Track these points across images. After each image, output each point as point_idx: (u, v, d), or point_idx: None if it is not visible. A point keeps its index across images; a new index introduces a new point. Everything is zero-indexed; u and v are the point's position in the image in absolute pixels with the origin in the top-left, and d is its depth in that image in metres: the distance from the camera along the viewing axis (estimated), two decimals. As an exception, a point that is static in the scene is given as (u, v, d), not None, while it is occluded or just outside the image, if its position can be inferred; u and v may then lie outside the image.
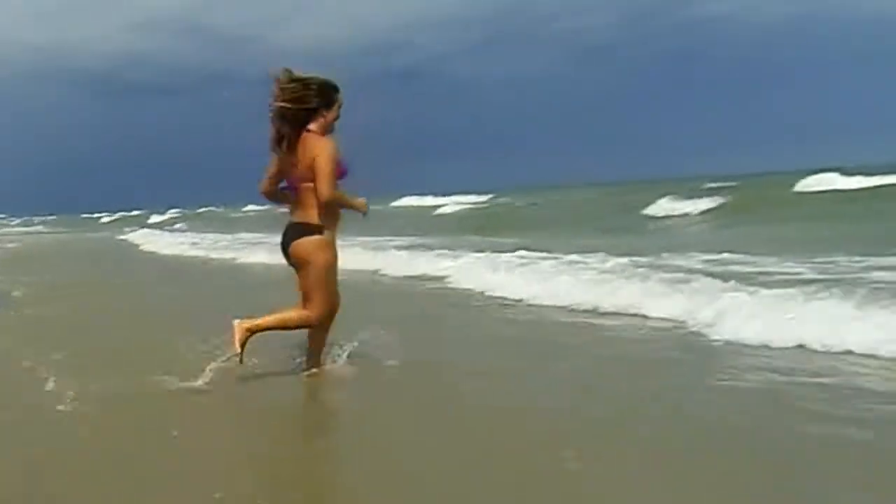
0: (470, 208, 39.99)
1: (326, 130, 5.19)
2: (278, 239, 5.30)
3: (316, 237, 5.10)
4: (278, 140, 5.11)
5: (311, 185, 5.06)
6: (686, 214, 25.20)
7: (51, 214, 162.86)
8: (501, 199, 60.67)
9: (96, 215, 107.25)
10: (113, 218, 71.74)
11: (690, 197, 27.44)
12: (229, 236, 26.17)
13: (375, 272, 12.40)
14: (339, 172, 5.14)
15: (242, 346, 5.00)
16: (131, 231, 38.58)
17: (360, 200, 5.31)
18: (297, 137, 5.09)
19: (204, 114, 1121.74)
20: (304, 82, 5.10)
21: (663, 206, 26.63)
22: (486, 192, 60.03)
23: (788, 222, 18.88)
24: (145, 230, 37.79)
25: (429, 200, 68.77)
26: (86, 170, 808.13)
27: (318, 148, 5.05)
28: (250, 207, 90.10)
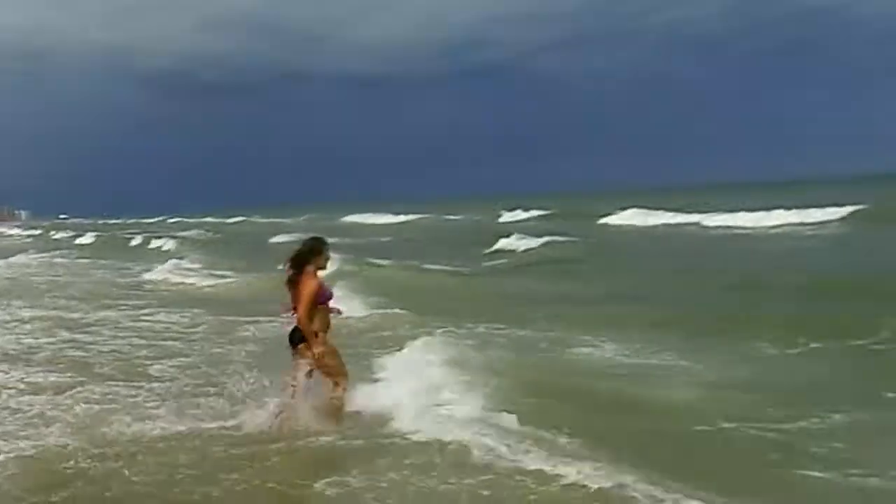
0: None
1: (316, 273, 7.63)
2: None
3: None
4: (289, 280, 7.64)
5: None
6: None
7: (117, 217, 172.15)
8: (421, 221, 67.01)
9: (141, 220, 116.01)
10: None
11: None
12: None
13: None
14: (322, 299, 7.58)
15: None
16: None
17: (310, 352, 7.40)
18: (299, 277, 7.59)
19: (277, 113, 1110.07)
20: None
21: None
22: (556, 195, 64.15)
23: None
24: (24, 258, 38.12)
25: (369, 218, 75.14)
26: (158, 170, 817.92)
27: (306, 285, 7.51)
28: (209, 220, 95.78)
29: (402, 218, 70.37)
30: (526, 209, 63.76)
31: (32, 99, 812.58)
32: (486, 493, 5.72)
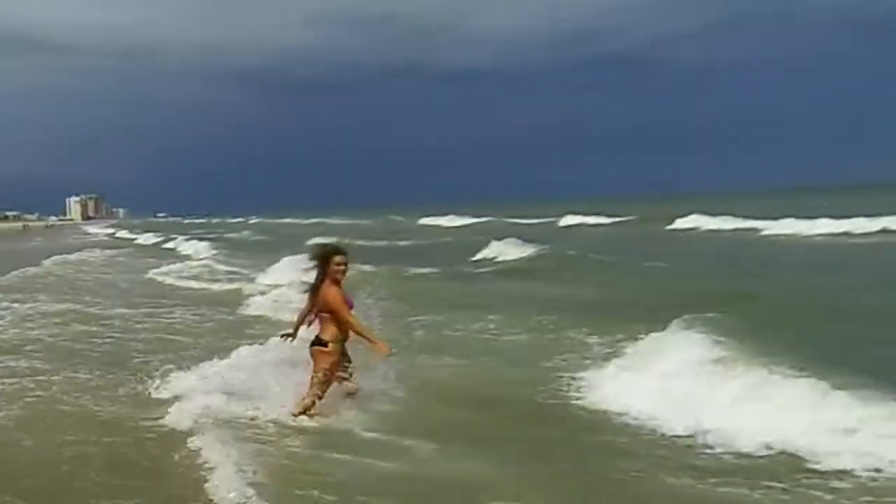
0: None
1: (333, 281, 8.19)
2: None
3: (321, 348, 8.14)
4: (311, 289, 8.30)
5: (327, 315, 8.11)
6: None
7: (209, 216, 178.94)
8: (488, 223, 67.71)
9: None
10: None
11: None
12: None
13: None
14: (349, 305, 8.19)
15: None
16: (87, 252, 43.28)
17: (381, 344, 7.97)
18: (319, 287, 8.23)
19: (380, 110, 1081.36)
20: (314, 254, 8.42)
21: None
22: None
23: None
24: (80, 256, 41.03)
25: (446, 220, 76.13)
26: (256, 169, 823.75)
27: (329, 295, 8.12)
28: (287, 220, 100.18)
29: (471, 220, 72.60)
30: (600, 214, 62.82)
31: (132, 97, 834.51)
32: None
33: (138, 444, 7.76)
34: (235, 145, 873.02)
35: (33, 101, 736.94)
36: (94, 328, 15.39)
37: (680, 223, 48.02)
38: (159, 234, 67.24)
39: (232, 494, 6.19)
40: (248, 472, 6.57)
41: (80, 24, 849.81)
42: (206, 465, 6.94)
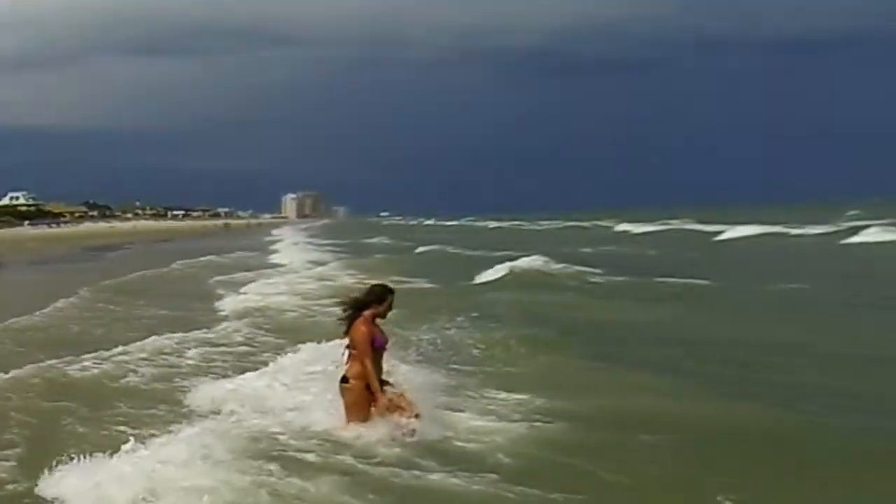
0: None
1: (375, 316, 8.69)
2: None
3: (346, 385, 8.63)
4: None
5: (354, 352, 8.58)
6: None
7: (439, 217, 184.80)
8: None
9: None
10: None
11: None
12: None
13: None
14: (375, 346, 8.62)
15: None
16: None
17: (381, 398, 8.43)
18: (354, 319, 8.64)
19: (685, 90, 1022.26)
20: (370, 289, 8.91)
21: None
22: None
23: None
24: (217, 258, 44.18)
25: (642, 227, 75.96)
26: (525, 164, 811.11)
27: (357, 330, 8.54)
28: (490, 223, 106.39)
29: (654, 228, 73.99)
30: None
31: (368, 91, 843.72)
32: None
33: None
34: (488, 140, 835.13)
35: (266, 96, 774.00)
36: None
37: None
38: (317, 238, 70.95)
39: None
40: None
41: (311, 14, 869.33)
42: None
